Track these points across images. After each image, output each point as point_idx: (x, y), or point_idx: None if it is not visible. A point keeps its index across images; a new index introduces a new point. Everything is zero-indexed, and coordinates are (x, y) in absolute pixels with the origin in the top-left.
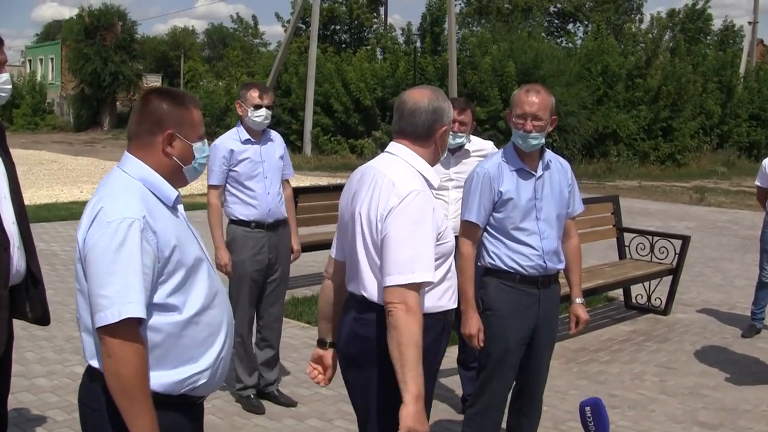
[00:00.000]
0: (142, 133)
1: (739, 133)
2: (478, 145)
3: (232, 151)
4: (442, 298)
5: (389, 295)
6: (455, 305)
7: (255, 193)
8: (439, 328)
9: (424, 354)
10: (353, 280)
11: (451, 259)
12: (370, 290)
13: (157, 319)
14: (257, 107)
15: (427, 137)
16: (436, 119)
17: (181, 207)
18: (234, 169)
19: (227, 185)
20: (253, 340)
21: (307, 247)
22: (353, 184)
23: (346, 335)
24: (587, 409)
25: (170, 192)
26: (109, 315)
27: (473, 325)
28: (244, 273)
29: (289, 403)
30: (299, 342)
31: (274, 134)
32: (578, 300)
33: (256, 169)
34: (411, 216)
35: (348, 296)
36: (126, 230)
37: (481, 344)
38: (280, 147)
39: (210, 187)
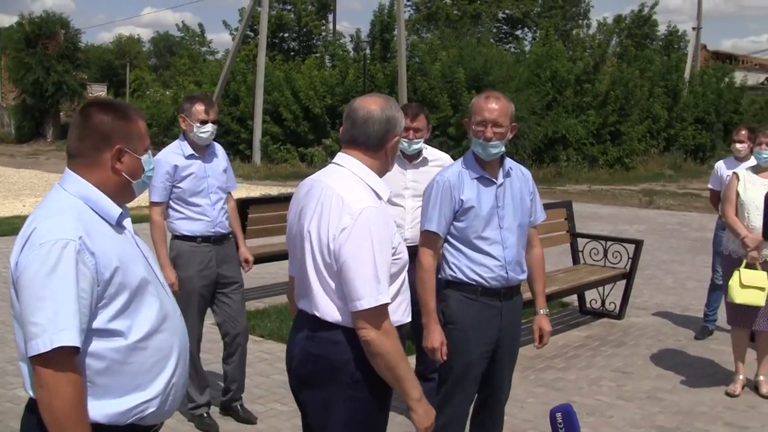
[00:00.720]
0: (87, 150)
1: (685, 137)
2: (436, 155)
3: (176, 166)
4: (396, 313)
5: (360, 321)
6: (409, 319)
7: (201, 208)
8: None
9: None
10: (304, 297)
11: (405, 273)
12: (323, 309)
13: (100, 345)
14: (203, 122)
15: (379, 147)
16: (389, 129)
17: (128, 224)
18: (178, 185)
19: (170, 201)
20: (202, 356)
21: (259, 259)
22: (300, 199)
23: (298, 355)
24: (558, 415)
25: (114, 210)
26: (41, 343)
27: (435, 338)
28: (192, 289)
29: (250, 419)
30: (252, 356)
31: (218, 147)
32: (542, 311)
33: (201, 184)
34: (367, 236)
35: (298, 314)
36: (59, 252)
37: (445, 357)
38: (224, 160)
39: (153, 204)
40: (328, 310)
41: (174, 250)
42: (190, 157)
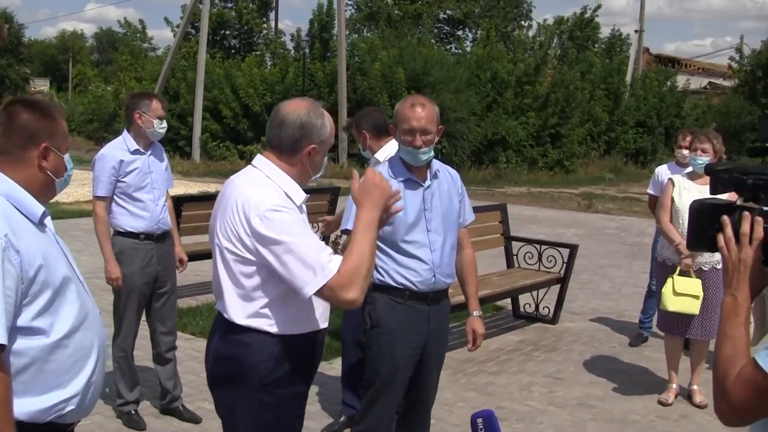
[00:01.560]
0: (12, 148)
1: (625, 140)
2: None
3: (121, 161)
4: (311, 319)
5: (330, 293)
6: (326, 324)
7: (144, 204)
8: (310, 349)
9: (293, 377)
10: (219, 298)
11: None
12: (231, 311)
13: (22, 344)
14: (161, 118)
15: (292, 153)
16: (303, 135)
17: (49, 222)
18: (123, 180)
19: (114, 196)
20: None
21: (192, 257)
22: (218, 200)
23: (212, 355)
24: (479, 420)
25: (36, 208)
26: None
27: None
28: (133, 286)
29: (194, 419)
30: (183, 354)
31: (158, 144)
32: (476, 313)
33: (145, 180)
34: (285, 229)
35: (217, 314)
36: None
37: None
38: (164, 156)
39: (98, 198)
40: (238, 312)
41: (116, 247)
42: (135, 152)
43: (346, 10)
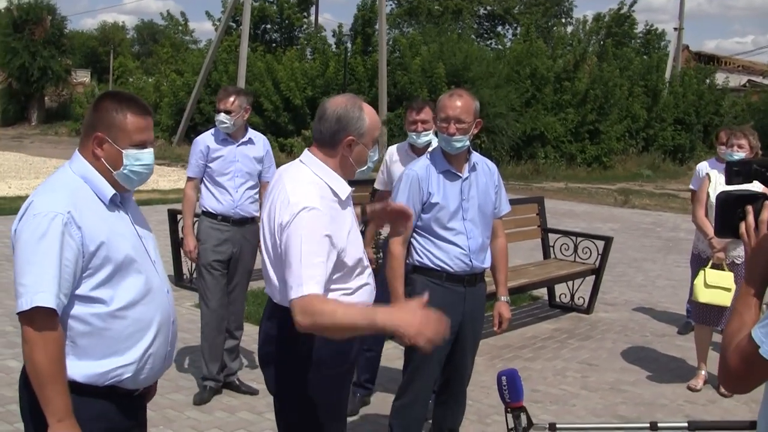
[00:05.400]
0: (83, 132)
1: (664, 137)
2: None
3: (208, 147)
4: (353, 302)
5: (292, 310)
6: None
7: (225, 189)
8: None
9: (335, 357)
10: (266, 282)
11: (362, 268)
12: (277, 294)
13: (82, 310)
14: (226, 112)
15: (332, 145)
16: (339, 128)
17: (126, 203)
18: (209, 165)
19: (204, 179)
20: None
21: None
22: (268, 190)
23: (261, 336)
24: (503, 378)
25: (107, 190)
26: (23, 302)
27: None
28: (206, 262)
29: (251, 391)
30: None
31: (258, 137)
32: (503, 298)
33: (228, 167)
34: (300, 234)
35: (268, 298)
36: (48, 223)
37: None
38: (261, 149)
39: (187, 178)
40: (281, 294)
41: (198, 224)
42: (222, 141)
43: (386, 5)
